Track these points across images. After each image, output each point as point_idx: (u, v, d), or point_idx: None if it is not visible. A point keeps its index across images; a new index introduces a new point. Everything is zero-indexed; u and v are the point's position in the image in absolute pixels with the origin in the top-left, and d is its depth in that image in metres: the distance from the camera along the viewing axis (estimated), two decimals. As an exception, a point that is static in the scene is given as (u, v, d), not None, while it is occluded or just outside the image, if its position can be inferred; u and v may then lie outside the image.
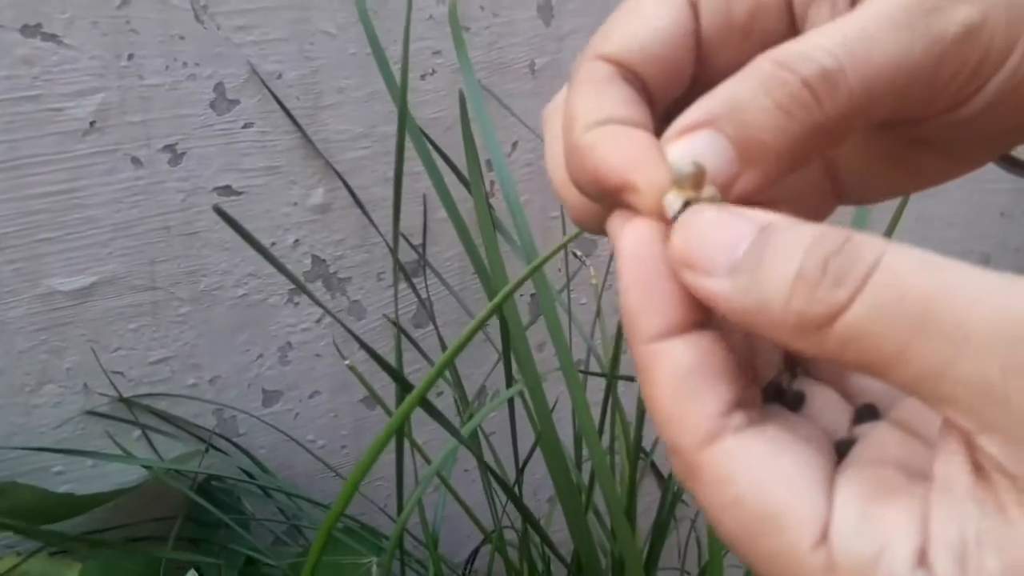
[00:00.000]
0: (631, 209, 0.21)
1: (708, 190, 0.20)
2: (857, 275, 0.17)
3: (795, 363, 0.24)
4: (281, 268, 0.38)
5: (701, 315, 0.20)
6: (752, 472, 0.18)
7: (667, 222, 0.20)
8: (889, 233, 0.59)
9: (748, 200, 0.21)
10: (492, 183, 0.75)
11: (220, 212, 0.32)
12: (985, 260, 1.10)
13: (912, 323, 0.16)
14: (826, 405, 0.23)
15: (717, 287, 0.19)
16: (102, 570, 0.54)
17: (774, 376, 0.24)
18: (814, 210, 0.25)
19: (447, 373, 0.74)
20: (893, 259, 0.17)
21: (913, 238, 1.02)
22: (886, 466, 0.19)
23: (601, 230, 0.22)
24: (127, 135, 0.60)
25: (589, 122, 0.21)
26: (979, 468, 0.16)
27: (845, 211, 0.30)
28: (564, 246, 0.34)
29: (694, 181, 0.20)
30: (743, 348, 0.22)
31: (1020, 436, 0.16)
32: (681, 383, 0.19)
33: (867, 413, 0.22)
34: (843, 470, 0.19)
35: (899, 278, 0.17)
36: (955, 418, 0.16)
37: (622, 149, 0.21)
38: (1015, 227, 1.06)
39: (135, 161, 0.61)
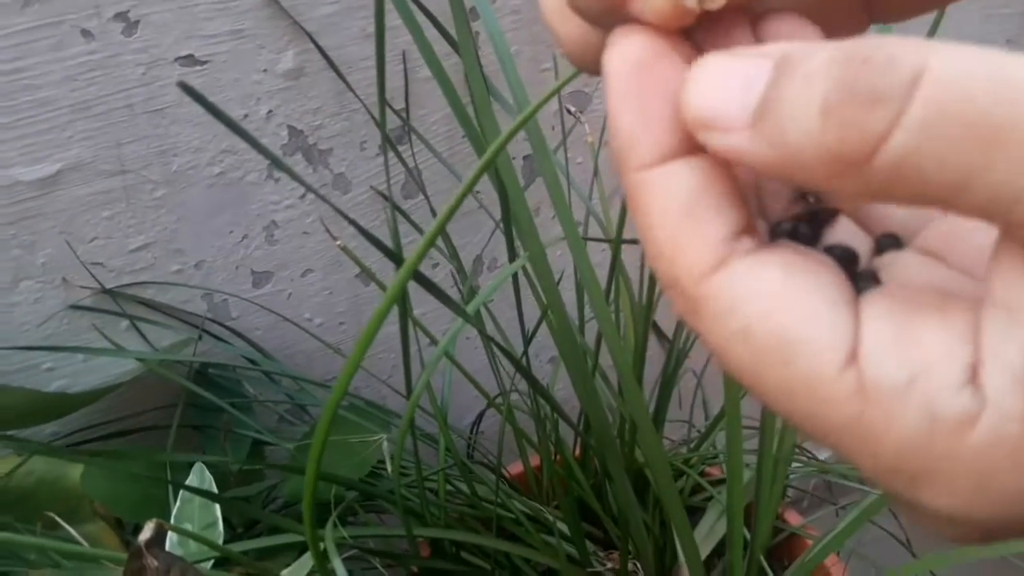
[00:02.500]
0: (636, 22, 0.18)
1: None
2: (896, 91, 0.14)
3: (806, 192, 0.22)
4: (256, 144, 0.34)
5: None
6: (763, 296, 0.16)
7: (680, 26, 0.18)
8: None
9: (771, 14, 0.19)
10: (477, 35, 0.70)
11: (185, 87, 0.28)
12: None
13: (977, 139, 0.14)
14: (842, 236, 0.21)
15: (739, 143, 0.16)
16: (104, 470, 0.53)
17: (782, 207, 0.21)
18: (842, 29, 0.22)
19: (442, 244, 0.71)
20: (941, 64, 0.14)
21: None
22: (917, 288, 0.17)
23: (599, 68, 0.20)
24: (72, 4, 0.55)
25: None
26: None
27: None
28: (559, 88, 0.30)
29: None
30: (748, 175, 0.19)
31: None
32: (683, 208, 0.17)
33: (889, 243, 0.20)
34: (868, 295, 0.17)
35: (952, 87, 0.14)
36: None
37: None
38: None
39: (85, 33, 0.56)
